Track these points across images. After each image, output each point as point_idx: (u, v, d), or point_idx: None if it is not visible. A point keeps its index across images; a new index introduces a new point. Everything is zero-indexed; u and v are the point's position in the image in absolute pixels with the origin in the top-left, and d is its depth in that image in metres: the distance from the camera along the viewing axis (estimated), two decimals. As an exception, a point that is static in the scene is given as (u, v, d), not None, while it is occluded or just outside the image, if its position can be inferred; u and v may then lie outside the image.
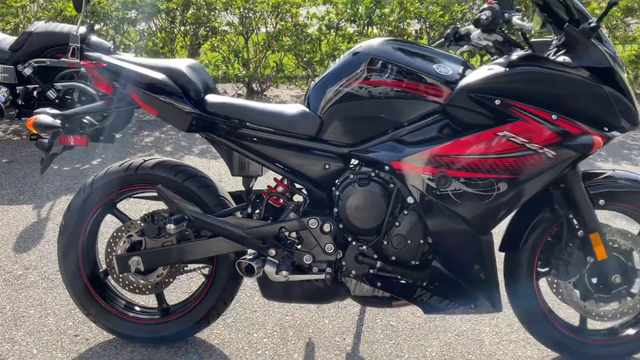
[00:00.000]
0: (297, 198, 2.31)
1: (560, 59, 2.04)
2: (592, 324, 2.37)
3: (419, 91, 2.09)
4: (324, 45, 6.31)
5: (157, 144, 4.96)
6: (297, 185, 2.27)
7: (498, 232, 2.18)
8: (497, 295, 2.19)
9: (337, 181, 2.20)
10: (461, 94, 2.03)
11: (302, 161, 2.20)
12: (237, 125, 2.20)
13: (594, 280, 2.22)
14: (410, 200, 2.11)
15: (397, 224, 2.12)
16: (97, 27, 6.09)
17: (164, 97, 2.17)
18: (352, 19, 6.16)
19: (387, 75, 2.10)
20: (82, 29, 4.81)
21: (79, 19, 4.77)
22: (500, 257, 2.22)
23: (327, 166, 2.18)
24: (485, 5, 2.10)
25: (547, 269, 2.29)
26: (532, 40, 2.35)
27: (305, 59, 6.19)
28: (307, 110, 2.22)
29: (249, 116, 2.20)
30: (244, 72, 6.25)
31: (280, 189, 2.30)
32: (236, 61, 6.26)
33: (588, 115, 2.01)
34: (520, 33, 2.13)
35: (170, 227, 2.17)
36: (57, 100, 4.77)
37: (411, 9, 6.04)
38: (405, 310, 2.66)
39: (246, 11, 6.15)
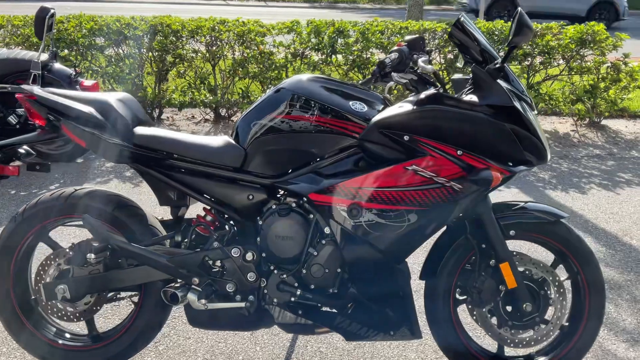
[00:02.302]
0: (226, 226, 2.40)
1: (468, 97, 2.16)
2: (510, 351, 2.46)
3: (336, 126, 2.19)
4: (290, 72, 6.45)
5: (117, 169, 5.02)
6: (225, 215, 2.35)
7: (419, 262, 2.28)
8: (415, 322, 2.28)
9: (260, 211, 2.28)
10: (373, 130, 2.14)
11: (227, 192, 2.28)
12: (164, 157, 2.29)
13: (508, 308, 2.31)
14: (327, 230, 2.19)
15: (315, 253, 2.20)
16: (64, 52, 6.19)
17: (90, 129, 2.25)
18: (316, 47, 6.31)
19: (307, 111, 2.21)
20: (44, 56, 4.89)
21: (40, 46, 4.86)
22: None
23: (250, 197, 2.26)
24: (395, 48, 2.22)
25: (464, 296, 2.39)
26: (455, 77, 2.48)
27: (271, 86, 6.31)
28: (233, 142, 2.31)
29: (175, 148, 2.29)
30: (210, 98, 6.36)
31: (209, 218, 2.37)
32: (202, 87, 6.37)
33: (492, 151, 2.12)
34: (432, 73, 2.25)
35: (91, 256, 2.23)
36: (18, 126, 4.83)
37: (372, 39, 6.21)
38: (336, 336, 2.73)
39: (212, 39, 6.28)
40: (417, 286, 2.51)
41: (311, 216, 2.22)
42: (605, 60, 6.39)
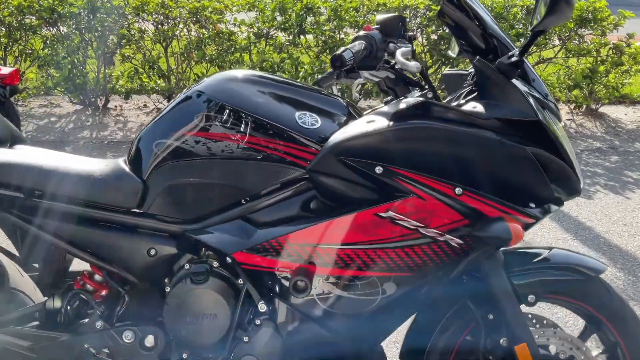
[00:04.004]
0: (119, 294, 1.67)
1: (469, 106, 1.45)
2: None
3: (273, 150, 1.47)
4: (254, 55, 5.68)
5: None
6: (117, 277, 1.63)
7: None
8: None
9: (167, 274, 1.57)
10: (329, 158, 1.42)
11: (118, 244, 1.56)
12: (21, 195, 1.55)
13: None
14: (262, 307, 1.49)
15: (245, 339, 1.50)
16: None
17: None
18: (282, 26, 5.54)
19: (233, 127, 1.48)
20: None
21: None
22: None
23: (152, 252, 1.55)
24: (360, 33, 1.49)
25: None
26: (447, 72, 1.77)
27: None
28: (127, 170, 1.59)
29: (39, 182, 1.56)
30: (162, 84, 5.57)
31: (97, 278, 1.65)
32: (152, 72, 5.56)
33: (505, 187, 1.42)
34: (420, 73, 1.53)
35: None
36: None
37: (346, 17, 5.45)
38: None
39: (161, 17, 5.46)
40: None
41: (240, 283, 1.52)
42: (606, 41, 5.71)
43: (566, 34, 5.76)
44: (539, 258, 1.66)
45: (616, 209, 3.89)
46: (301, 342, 1.48)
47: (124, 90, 5.54)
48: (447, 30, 5.53)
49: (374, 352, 1.54)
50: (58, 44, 5.55)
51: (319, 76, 1.85)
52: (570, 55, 5.87)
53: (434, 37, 5.65)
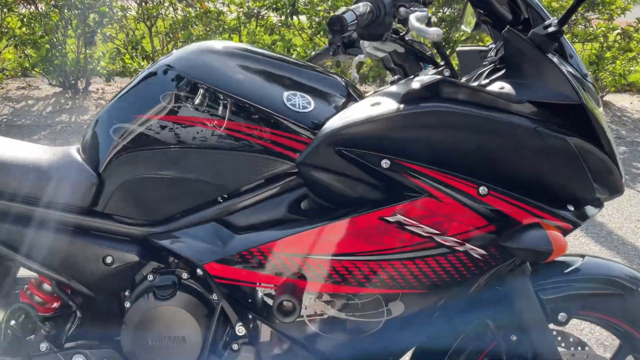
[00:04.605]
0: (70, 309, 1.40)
1: (496, 86, 1.19)
2: None
3: (256, 138, 1.20)
4: (244, 37, 5.38)
5: None
6: (68, 289, 1.36)
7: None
8: None
9: (127, 287, 1.31)
10: (324, 148, 1.15)
11: (68, 250, 1.29)
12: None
13: None
14: (240, 329, 1.23)
15: (219, 366, 1.24)
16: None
17: None
18: (274, 6, 5.23)
19: (205, 109, 1.21)
20: None
21: None
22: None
23: (108, 259, 1.28)
24: (363, -9, 1.21)
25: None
26: (462, 48, 1.50)
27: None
28: (80, 161, 1.32)
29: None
30: (145, 66, 5.27)
31: (45, 288, 1.38)
32: (135, 53, 5.25)
33: (540, 186, 1.16)
34: (433, 43, 1.26)
35: None
36: None
37: (343, -4, 5.16)
38: None
39: (145, -6, 5.15)
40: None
41: (214, 299, 1.26)
42: (614, 25, 5.45)
43: (572, 19, 5.49)
44: (570, 268, 1.41)
45: (628, 204, 3.66)
46: (288, 372, 1.23)
47: (105, 72, 5.24)
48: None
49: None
50: (35, 22, 5.22)
51: (313, 53, 1.58)
52: (576, 41, 5.60)
53: (447, 10, 5.34)
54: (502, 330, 1.34)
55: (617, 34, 5.48)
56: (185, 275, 1.26)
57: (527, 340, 1.33)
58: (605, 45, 5.54)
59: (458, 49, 1.52)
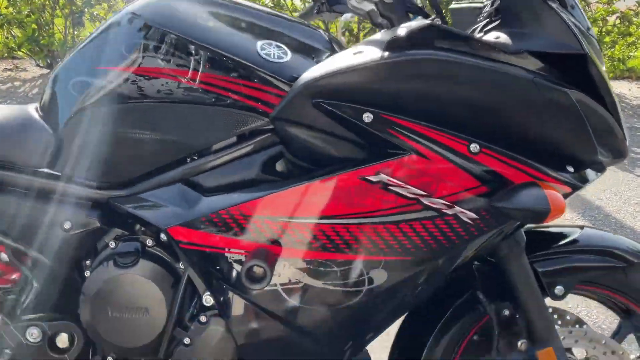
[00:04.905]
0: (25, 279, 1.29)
1: (491, 36, 1.08)
2: None
3: (226, 91, 1.10)
4: None
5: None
6: (22, 256, 1.25)
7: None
8: None
9: (86, 255, 1.20)
10: (300, 100, 1.05)
11: (23, 214, 1.18)
12: None
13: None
14: (208, 299, 1.12)
15: (186, 340, 1.14)
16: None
17: None
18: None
19: (173, 61, 1.11)
20: None
21: None
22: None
23: (67, 225, 1.17)
24: None
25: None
26: (456, 5, 1.40)
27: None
28: (38, 119, 1.21)
29: None
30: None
31: (2, 256, 1.28)
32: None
33: (537, 144, 1.06)
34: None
35: None
36: None
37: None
38: None
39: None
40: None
41: (180, 268, 1.15)
42: (614, 9, 5.34)
43: (571, 1, 5.38)
44: (568, 239, 1.31)
45: (627, 188, 3.56)
46: (260, 346, 1.12)
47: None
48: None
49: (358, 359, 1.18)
50: (22, 1, 5.08)
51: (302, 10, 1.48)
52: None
53: None
54: (494, 304, 1.25)
55: (617, 17, 5.38)
56: (149, 242, 1.15)
57: (521, 315, 1.24)
58: (604, 29, 5.43)
59: (452, 6, 1.41)
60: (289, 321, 1.10)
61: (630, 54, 5.59)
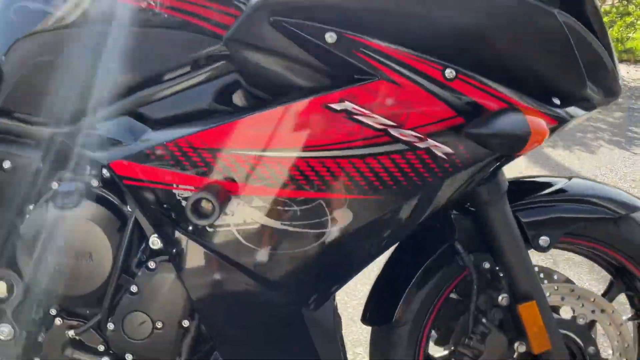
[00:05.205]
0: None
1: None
2: None
3: (177, 11, 0.99)
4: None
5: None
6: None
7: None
8: None
9: (27, 196, 1.10)
10: (255, 19, 0.93)
11: (-42, 154, 1.09)
12: None
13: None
14: (155, 242, 1.02)
15: (133, 288, 1.04)
16: None
17: None
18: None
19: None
20: None
21: None
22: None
23: (6, 164, 1.07)
24: None
25: (445, 353, 1.28)
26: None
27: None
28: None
29: None
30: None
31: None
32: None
33: (519, 71, 0.95)
34: None
35: None
36: None
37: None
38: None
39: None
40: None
41: (126, 209, 1.05)
42: (613, -13, 5.23)
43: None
44: (555, 188, 1.22)
45: (623, 164, 3.47)
46: (215, 296, 1.02)
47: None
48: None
49: (324, 312, 1.08)
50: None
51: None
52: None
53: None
54: (474, 256, 1.15)
55: (616, -4, 5.27)
56: (95, 183, 1.05)
57: (503, 268, 1.14)
58: (602, 9, 5.31)
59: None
60: (246, 267, 0.99)
61: (629, 34, 5.47)
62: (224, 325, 1.05)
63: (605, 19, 5.22)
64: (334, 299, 1.17)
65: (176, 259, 1.00)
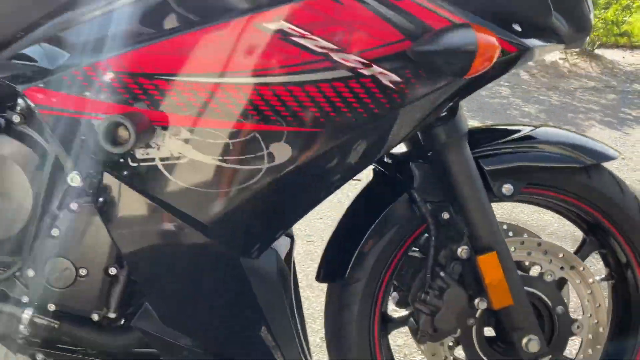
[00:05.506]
0: None
1: None
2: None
3: None
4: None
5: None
6: None
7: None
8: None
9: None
10: None
11: None
12: None
13: (490, 344, 1.14)
14: (75, 179, 0.93)
15: (54, 232, 0.95)
16: None
17: None
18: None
19: None
20: None
21: None
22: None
23: None
24: None
25: (405, 313, 1.20)
26: None
27: None
28: None
29: None
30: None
31: None
32: None
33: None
34: None
35: None
36: None
37: None
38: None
39: None
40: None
41: (48, 146, 0.96)
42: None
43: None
44: (520, 135, 1.13)
45: (613, 143, 3.37)
46: (141, 240, 0.93)
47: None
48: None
49: (266, 261, 0.99)
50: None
51: None
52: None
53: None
54: (433, 206, 1.06)
55: (611, -22, 5.17)
56: (16, 119, 0.96)
57: (462, 218, 1.05)
58: (598, -9, 5.22)
59: None
60: (175, 209, 0.91)
61: (625, 18, 5.37)
62: (153, 274, 0.96)
63: (601, 1, 5.11)
64: (291, 251, 1.10)
65: (98, 199, 0.91)
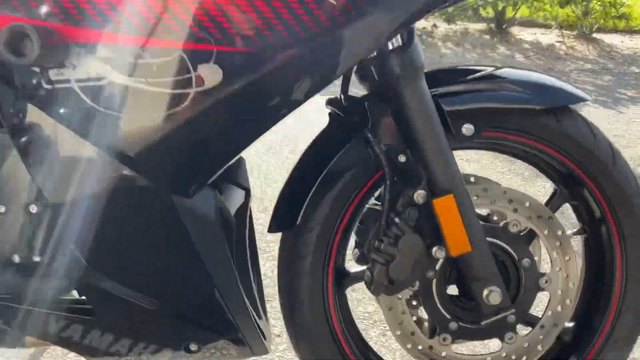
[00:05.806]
0: None
1: None
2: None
3: None
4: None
5: None
6: None
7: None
8: (252, 323, 1.00)
9: None
10: None
11: None
12: None
13: (449, 295, 1.06)
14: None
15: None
16: None
17: None
18: None
19: None
20: None
21: None
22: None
23: None
24: None
25: (359, 265, 1.12)
26: None
27: None
28: None
29: None
30: None
31: None
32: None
33: None
34: None
35: None
36: None
37: None
38: None
39: None
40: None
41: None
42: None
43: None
44: (481, 74, 1.05)
45: (607, 122, 3.30)
46: (60, 174, 0.85)
47: None
48: None
49: (203, 200, 0.91)
50: None
51: None
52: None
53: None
54: (388, 148, 0.99)
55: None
56: None
57: (419, 160, 0.97)
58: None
59: None
60: (96, 138, 0.83)
61: (624, 1, 5.27)
62: (77, 213, 0.89)
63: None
64: (246, 205, 1.02)
65: (12, 128, 0.83)
